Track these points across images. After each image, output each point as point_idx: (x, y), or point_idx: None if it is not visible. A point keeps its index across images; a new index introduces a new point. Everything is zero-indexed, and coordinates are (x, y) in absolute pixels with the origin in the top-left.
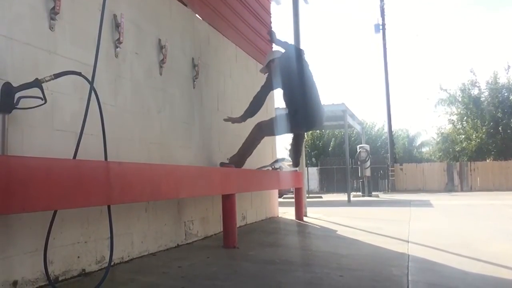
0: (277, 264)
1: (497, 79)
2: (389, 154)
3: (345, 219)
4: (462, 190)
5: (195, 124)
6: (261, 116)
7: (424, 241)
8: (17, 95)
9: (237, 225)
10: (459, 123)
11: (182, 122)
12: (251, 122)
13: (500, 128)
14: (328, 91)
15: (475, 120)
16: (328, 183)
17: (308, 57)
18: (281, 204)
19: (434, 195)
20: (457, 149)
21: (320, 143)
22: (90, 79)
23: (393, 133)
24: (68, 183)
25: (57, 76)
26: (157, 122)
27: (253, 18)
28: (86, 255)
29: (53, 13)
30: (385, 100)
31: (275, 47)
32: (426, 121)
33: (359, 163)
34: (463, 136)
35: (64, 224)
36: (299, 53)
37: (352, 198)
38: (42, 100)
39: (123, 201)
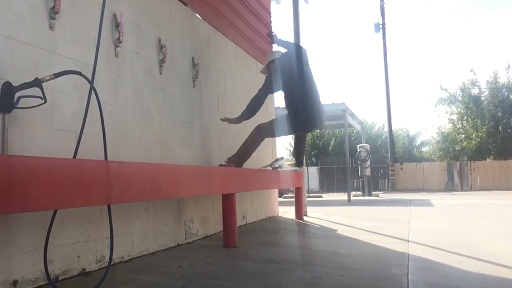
0: (277, 263)
1: (497, 79)
2: (389, 154)
3: (345, 219)
4: (462, 190)
5: (195, 123)
6: (261, 116)
7: (424, 241)
8: (17, 94)
9: (237, 225)
10: (459, 123)
11: (182, 121)
12: (252, 122)
13: (500, 128)
14: (328, 91)
15: (475, 120)
16: (328, 182)
17: (310, 55)
18: (281, 203)
19: (434, 195)
20: (457, 149)
21: (320, 143)
22: (90, 78)
23: (393, 133)
24: (68, 183)
25: (57, 75)
26: (157, 121)
27: (253, 17)
28: (86, 254)
29: (53, 12)
30: (385, 100)
31: (275, 47)
32: (426, 120)
33: (359, 162)
34: (463, 136)
35: (64, 223)
36: (300, 51)
37: (352, 198)
38: (42, 99)
39: (123, 200)
